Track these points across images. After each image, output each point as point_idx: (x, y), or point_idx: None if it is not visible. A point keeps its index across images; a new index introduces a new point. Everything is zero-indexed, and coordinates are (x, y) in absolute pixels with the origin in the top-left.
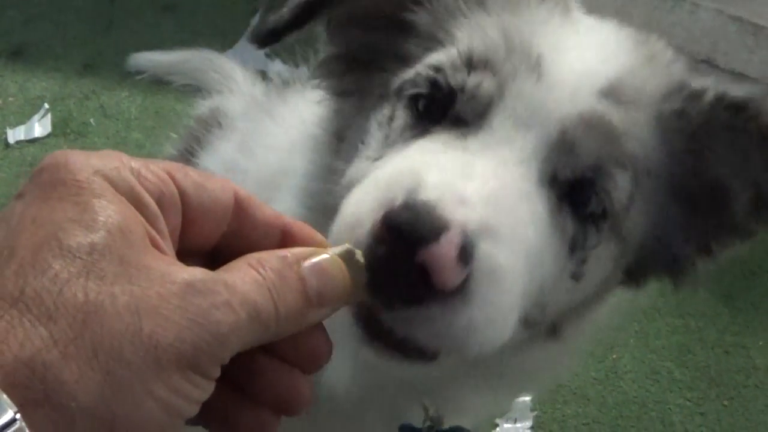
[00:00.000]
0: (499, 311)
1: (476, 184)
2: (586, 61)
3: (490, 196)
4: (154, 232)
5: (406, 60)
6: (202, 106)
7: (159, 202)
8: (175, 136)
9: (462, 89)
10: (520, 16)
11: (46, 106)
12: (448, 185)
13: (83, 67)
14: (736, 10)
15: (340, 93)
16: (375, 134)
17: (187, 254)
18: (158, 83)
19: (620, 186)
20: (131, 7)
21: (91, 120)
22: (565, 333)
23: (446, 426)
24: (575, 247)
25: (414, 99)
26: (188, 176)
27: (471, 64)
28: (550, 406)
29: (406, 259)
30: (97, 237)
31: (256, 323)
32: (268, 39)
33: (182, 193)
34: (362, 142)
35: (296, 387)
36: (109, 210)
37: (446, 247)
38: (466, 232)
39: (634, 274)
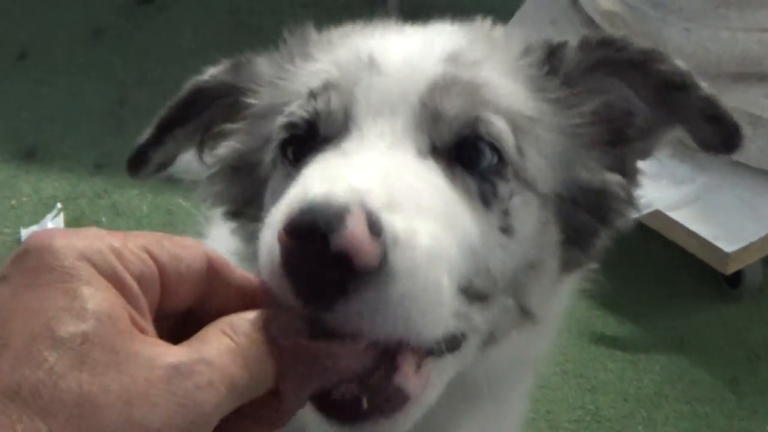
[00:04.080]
0: (427, 278)
1: (361, 170)
2: (417, 44)
3: (378, 175)
4: (136, 314)
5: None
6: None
7: (139, 282)
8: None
9: (317, 115)
10: (344, 47)
11: (59, 205)
12: (335, 178)
13: (95, 166)
14: (732, 101)
15: (235, 212)
16: (269, 203)
17: (161, 317)
18: (168, 181)
19: (500, 128)
20: (141, 108)
21: (103, 218)
22: (537, 311)
23: None
24: (489, 201)
25: (283, 150)
26: (164, 248)
27: (313, 94)
28: None
29: (322, 254)
30: (88, 326)
31: (235, 394)
32: (138, 161)
33: (160, 269)
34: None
35: None
36: (98, 297)
37: (355, 225)
38: (368, 208)
39: (571, 235)
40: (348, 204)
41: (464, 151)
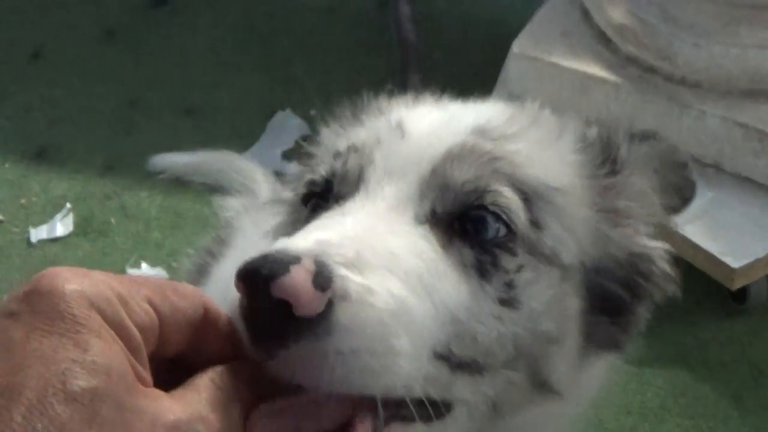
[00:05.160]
0: (376, 337)
1: (339, 228)
2: (449, 115)
3: (353, 234)
4: (137, 365)
5: None
6: (224, 209)
7: (141, 332)
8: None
9: (333, 174)
10: (386, 113)
11: (69, 205)
12: (311, 233)
13: (105, 167)
14: (742, 116)
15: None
16: None
17: (152, 360)
18: (178, 183)
19: (508, 200)
20: (152, 110)
21: (112, 219)
22: (559, 387)
23: None
24: (486, 272)
25: (305, 204)
26: (166, 299)
27: (339, 154)
28: None
29: (266, 299)
30: (98, 381)
31: None
32: None
33: (160, 320)
34: None
35: None
36: (107, 351)
37: (297, 274)
38: (320, 261)
39: (601, 307)
40: (299, 255)
41: (467, 219)
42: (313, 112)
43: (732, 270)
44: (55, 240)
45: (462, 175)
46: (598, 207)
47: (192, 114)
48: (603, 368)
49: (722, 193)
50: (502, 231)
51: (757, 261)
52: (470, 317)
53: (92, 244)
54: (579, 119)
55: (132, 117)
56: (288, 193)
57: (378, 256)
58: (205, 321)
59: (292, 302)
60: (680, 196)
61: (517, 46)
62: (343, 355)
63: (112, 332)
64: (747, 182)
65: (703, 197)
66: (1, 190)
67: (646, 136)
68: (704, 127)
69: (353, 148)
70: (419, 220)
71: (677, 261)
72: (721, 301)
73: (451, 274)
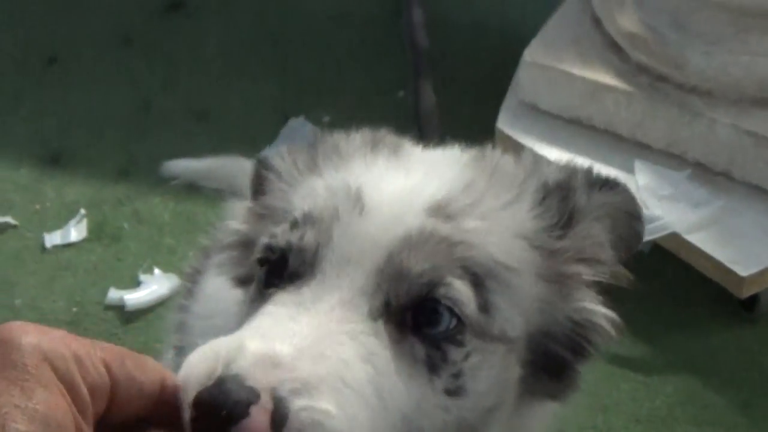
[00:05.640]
0: None
1: (295, 342)
2: (408, 186)
3: (309, 350)
4: (81, 421)
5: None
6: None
7: (91, 393)
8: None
9: (290, 247)
10: (347, 169)
11: (83, 211)
12: (265, 350)
13: (118, 173)
14: (752, 125)
15: (240, 281)
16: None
17: (109, 424)
18: (190, 189)
19: (460, 292)
20: (165, 115)
21: (125, 225)
22: None
23: None
24: (436, 367)
25: (261, 265)
26: (123, 367)
27: (296, 223)
28: None
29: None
30: (36, 428)
31: None
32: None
33: (114, 385)
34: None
35: None
36: (50, 402)
37: (256, 418)
38: (278, 396)
39: (542, 365)
40: (257, 390)
41: (421, 312)
42: (326, 119)
43: (741, 278)
44: (68, 245)
45: (418, 265)
46: (548, 276)
47: (205, 119)
48: (546, 414)
49: (732, 202)
50: (453, 323)
51: (767, 269)
52: (419, 413)
53: (105, 249)
54: (538, 162)
55: (146, 122)
56: (236, 226)
57: (331, 370)
58: (164, 396)
59: None
60: (627, 247)
61: (529, 54)
62: None
63: (62, 387)
64: (757, 190)
65: (712, 206)
66: (16, 195)
67: (607, 185)
68: (714, 135)
69: (310, 220)
70: (373, 316)
71: (687, 269)
72: (731, 309)
73: (403, 372)
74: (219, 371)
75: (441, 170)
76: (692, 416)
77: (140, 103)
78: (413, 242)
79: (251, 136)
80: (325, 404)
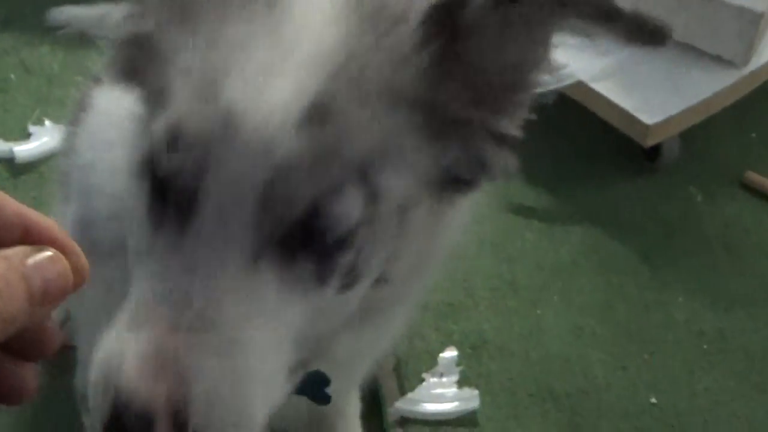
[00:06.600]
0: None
1: (183, 313)
2: (284, 92)
3: (195, 315)
4: None
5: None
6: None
7: None
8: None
9: (170, 173)
10: (217, 45)
11: None
12: (148, 350)
13: (2, 23)
14: None
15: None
16: (140, 225)
17: None
18: (81, 39)
19: (348, 202)
20: None
21: (12, 76)
22: (419, 260)
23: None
24: (325, 277)
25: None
26: None
27: (170, 142)
28: (476, 362)
29: None
30: None
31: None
32: None
33: None
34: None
35: (22, 376)
36: None
37: None
38: (175, 409)
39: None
40: (152, 414)
41: (308, 232)
42: None
43: (646, 127)
44: None
45: (298, 189)
46: (439, 132)
47: None
48: (461, 212)
49: (638, 51)
50: (343, 229)
51: (671, 118)
52: (314, 321)
53: None
54: None
55: None
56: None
57: (222, 334)
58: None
59: None
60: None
61: None
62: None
63: None
64: None
65: (619, 54)
66: None
67: None
68: None
69: (184, 144)
70: (256, 255)
71: (591, 121)
72: (634, 159)
73: (294, 299)
74: (111, 392)
75: (316, 38)
76: (595, 264)
77: None
78: (292, 161)
79: None
80: (218, 384)
